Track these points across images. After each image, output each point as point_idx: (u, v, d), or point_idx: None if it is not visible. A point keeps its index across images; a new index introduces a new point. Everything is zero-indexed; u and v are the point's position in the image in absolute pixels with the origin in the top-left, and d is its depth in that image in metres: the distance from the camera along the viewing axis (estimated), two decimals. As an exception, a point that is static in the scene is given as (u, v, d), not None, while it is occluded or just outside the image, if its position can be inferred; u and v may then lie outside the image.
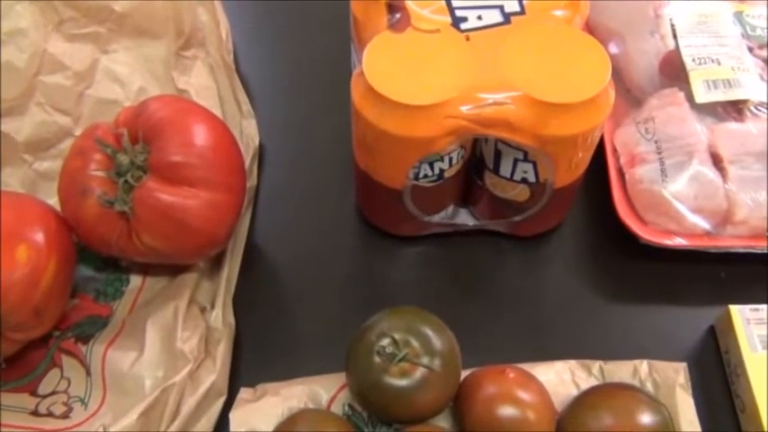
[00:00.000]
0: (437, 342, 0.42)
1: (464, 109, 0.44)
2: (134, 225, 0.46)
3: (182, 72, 0.59)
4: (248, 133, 0.59)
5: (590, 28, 0.63)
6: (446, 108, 0.44)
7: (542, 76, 0.45)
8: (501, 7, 0.48)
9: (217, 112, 0.58)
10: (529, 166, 0.48)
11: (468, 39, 0.47)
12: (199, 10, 0.60)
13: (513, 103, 0.45)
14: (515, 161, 0.48)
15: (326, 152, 0.60)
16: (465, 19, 0.48)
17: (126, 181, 0.46)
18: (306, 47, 0.67)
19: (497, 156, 0.49)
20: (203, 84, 0.59)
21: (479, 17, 0.48)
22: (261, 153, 0.60)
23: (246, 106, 0.60)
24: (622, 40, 0.61)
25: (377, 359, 0.42)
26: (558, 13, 0.49)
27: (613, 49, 0.61)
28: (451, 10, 0.48)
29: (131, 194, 0.46)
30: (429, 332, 0.43)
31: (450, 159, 0.49)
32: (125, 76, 0.58)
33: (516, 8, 0.48)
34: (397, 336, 0.42)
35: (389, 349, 0.41)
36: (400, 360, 0.41)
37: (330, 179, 0.59)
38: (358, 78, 0.46)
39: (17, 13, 0.54)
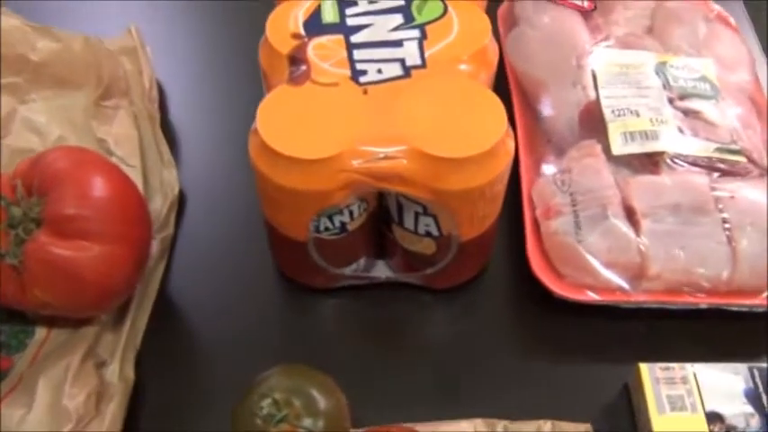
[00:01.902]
0: (322, 402, 0.41)
1: (356, 163, 0.44)
2: (26, 279, 0.46)
3: (102, 121, 0.59)
4: (168, 182, 0.58)
5: (516, 78, 0.63)
6: (338, 162, 0.44)
7: (436, 130, 0.45)
8: (402, 60, 0.48)
9: (136, 160, 0.58)
10: (430, 220, 0.48)
11: (365, 92, 0.47)
12: (122, 59, 0.60)
13: (406, 158, 0.44)
14: (416, 214, 0.48)
15: (247, 202, 0.59)
16: (365, 72, 0.47)
17: (17, 234, 0.45)
18: (232, 95, 0.67)
19: (400, 209, 0.48)
20: (125, 133, 0.59)
21: (379, 71, 0.48)
22: (182, 201, 0.60)
23: (167, 155, 0.60)
24: (547, 91, 0.60)
25: (258, 420, 0.41)
26: (463, 67, 0.49)
27: (539, 98, 0.61)
28: (352, 63, 0.48)
29: (23, 248, 0.45)
30: (314, 392, 0.42)
31: (351, 212, 0.48)
32: (43, 126, 0.58)
33: (418, 62, 0.48)
34: (277, 396, 0.41)
35: (267, 410, 0.40)
36: (279, 421, 0.40)
37: (250, 229, 0.58)
38: (254, 133, 0.46)
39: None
